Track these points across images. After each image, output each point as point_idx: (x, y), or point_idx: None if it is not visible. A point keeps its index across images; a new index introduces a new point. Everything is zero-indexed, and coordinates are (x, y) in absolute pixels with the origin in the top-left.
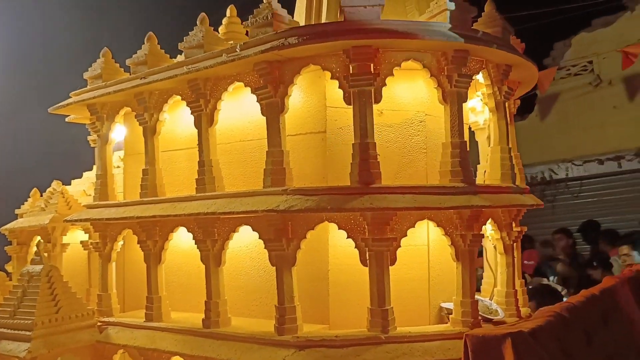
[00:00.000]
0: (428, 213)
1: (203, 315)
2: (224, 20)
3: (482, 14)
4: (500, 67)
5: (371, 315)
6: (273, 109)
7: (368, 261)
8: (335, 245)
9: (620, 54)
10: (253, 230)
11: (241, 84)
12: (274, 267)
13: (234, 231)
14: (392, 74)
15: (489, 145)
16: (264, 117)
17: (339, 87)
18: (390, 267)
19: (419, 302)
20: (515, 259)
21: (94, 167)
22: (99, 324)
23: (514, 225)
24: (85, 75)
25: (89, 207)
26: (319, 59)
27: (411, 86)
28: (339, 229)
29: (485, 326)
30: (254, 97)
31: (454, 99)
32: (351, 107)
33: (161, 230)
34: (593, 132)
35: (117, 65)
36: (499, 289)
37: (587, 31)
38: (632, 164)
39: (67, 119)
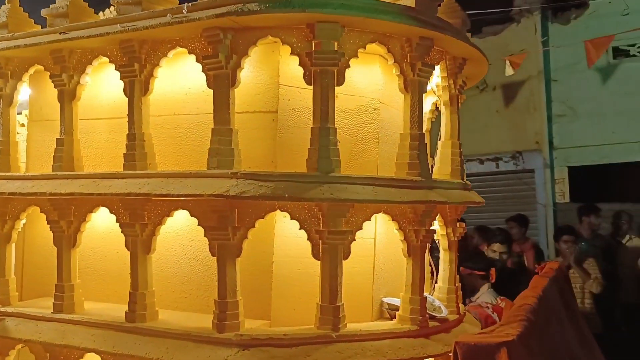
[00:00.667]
0: (384, 206)
1: (125, 308)
2: None
3: (442, 3)
4: (457, 59)
5: (321, 312)
6: (222, 82)
7: (321, 254)
8: (281, 235)
9: (504, 61)
10: (191, 215)
11: (184, 50)
12: (213, 258)
13: (168, 215)
14: (356, 56)
15: (439, 139)
16: (206, 90)
17: (300, 64)
18: None
19: (361, 297)
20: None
21: None
22: None
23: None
24: None
25: None
26: (279, 31)
27: (368, 72)
28: (291, 218)
29: (466, 332)
30: (197, 67)
31: (415, 88)
32: (308, 87)
33: (78, 209)
34: (477, 134)
35: (26, 14)
36: (440, 285)
37: (478, 37)
38: (508, 165)
39: None
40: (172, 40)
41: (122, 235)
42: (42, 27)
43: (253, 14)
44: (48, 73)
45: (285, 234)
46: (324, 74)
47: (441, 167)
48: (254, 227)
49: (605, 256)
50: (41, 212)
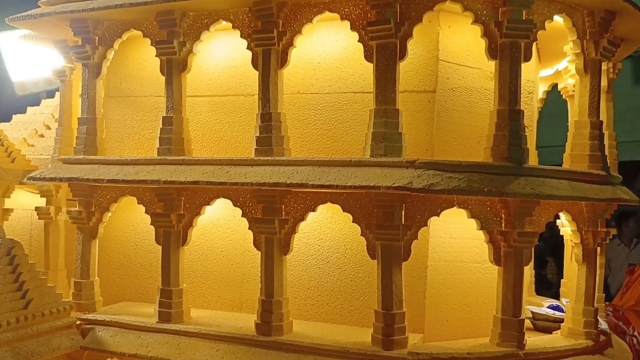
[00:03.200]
0: (568, 204)
1: (238, 316)
2: None
3: None
4: (599, 12)
5: (502, 326)
6: (389, 54)
7: (502, 259)
8: (436, 237)
9: None
10: (344, 211)
11: (335, 15)
12: (348, 259)
13: (313, 210)
14: (544, 28)
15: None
16: (340, 65)
17: (484, 35)
18: None
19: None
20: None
21: (43, 102)
22: (78, 322)
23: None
24: None
25: (67, 162)
26: None
27: None
28: (470, 217)
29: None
30: (330, 36)
31: (596, 69)
32: (468, 65)
33: (190, 201)
34: None
35: None
36: (574, 306)
37: None
38: None
39: (20, 37)
40: (318, 3)
41: (229, 231)
42: None
43: None
44: (131, 39)
45: (440, 235)
46: (514, 47)
47: (575, 153)
48: (426, 225)
49: None
50: (139, 203)
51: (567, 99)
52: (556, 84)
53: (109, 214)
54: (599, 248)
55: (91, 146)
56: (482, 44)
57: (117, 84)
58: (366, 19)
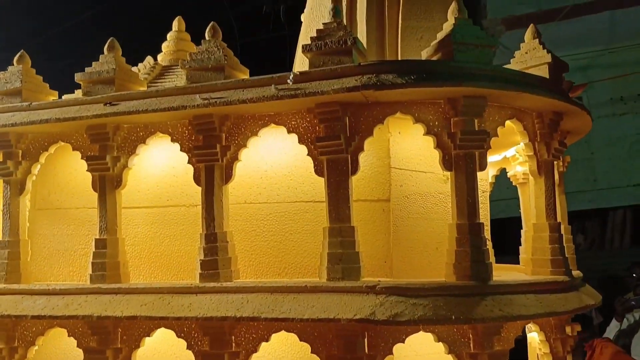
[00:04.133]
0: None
1: None
2: (170, 35)
3: (521, 45)
4: (547, 115)
5: None
6: (340, 169)
7: None
8: (400, 356)
9: None
10: (301, 340)
11: (282, 128)
12: None
13: (266, 340)
14: (497, 135)
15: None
16: (290, 174)
17: (437, 147)
18: None
19: None
20: None
21: None
22: None
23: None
24: None
25: None
26: (412, 107)
27: None
28: (437, 341)
29: None
30: (279, 144)
31: (549, 170)
32: (421, 170)
33: (128, 333)
34: None
35: (40, 77)
36: None
37: None
38: None
39: None
40: (263, 115)
41: None
42: (59, 95)
43: (395, 87)
44: (60, 148)
45: (405, 354)
46: (469, 158)
47: (534, 259)
48: (391, 353)
49: None
50: (70, 335)
51: (518, 186)
52: (504, 169)
53: (35, 348)
54: (568, 356)
55: (14, 272)
56: (432, 144)
57: (45, 195)
58: (315, 132)
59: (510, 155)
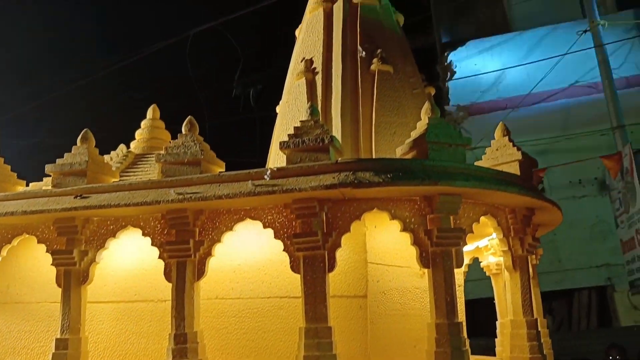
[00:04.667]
0: None
1: None
2: (144, 123)
3: (492, 142)
4: (520, 211)
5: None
6: (317, 266)
7: None
8: None
9: None
10: None
11: (257, 222)
12: None
13: None
14: (472, 231)
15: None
16: (263, 268)
17: (414, 244)
18: None
19: None
20: None
21: None
22: None
23: None
24: None
25: None
26: (389, 204)
27: None
28: None
29: None
30: (253, 238)
31: (524, 265)
32: (397, 265)
33: None
34: None
35: (8, 166)
36: None
37: None
38: None
39: None
40: (239, 210)
41: None
42: (26, 184)
43: (372, 186)
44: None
45: None
46: (446, 255)
47: (513, 356)
48: None
49: None
50: None
51: (491, 276)
52: (477, 258)
53: None
54: None
55: None
56: (409, 240)
57: (3, 287)
58: (291, 227)
59: (483, 245)
